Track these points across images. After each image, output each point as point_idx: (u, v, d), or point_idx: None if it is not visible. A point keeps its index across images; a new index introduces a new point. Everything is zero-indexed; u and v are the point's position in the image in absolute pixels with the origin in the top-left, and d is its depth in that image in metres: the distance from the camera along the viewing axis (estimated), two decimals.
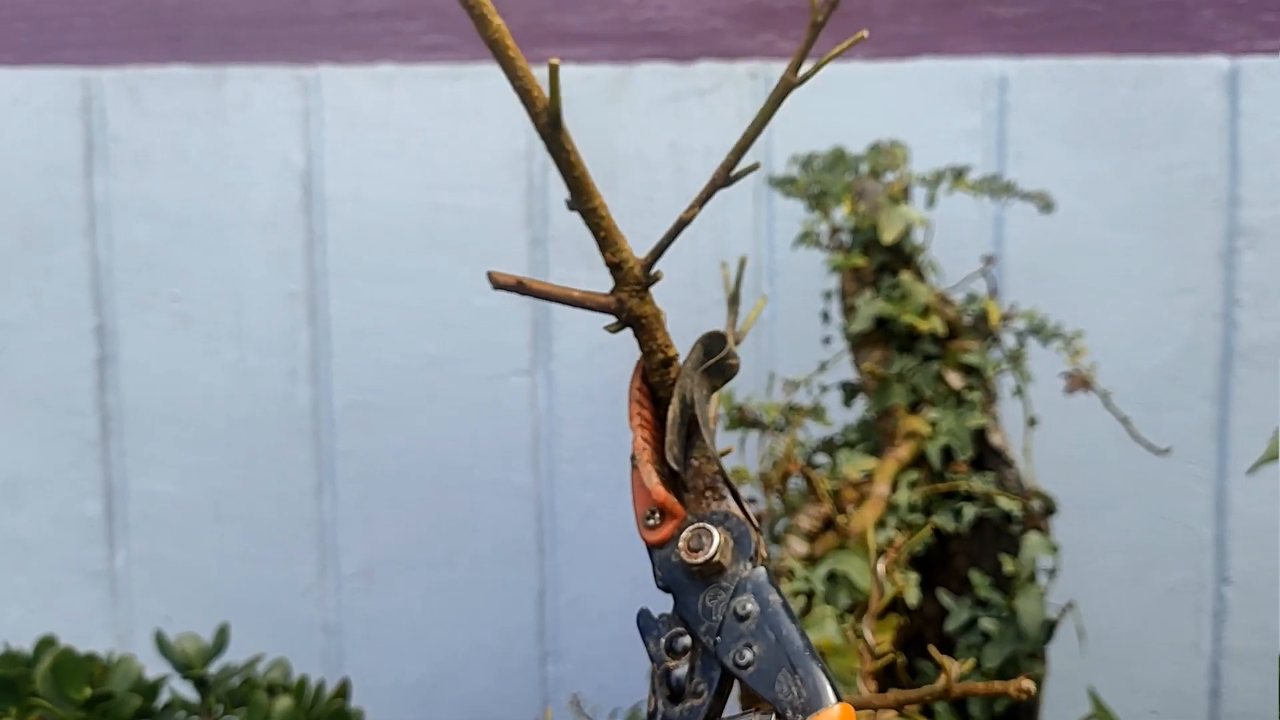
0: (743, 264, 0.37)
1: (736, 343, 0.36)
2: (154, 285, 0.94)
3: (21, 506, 0.96)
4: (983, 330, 0.73)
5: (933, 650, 0.36)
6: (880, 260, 0.74)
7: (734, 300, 0.37)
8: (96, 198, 0.94)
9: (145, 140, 0.94)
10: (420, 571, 0.96)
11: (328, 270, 0.93)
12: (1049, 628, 0.68)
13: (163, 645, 0.66)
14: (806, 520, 0.72)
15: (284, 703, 0.59)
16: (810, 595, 0.71)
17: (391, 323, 0.94)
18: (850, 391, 0.79)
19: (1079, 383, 0.67)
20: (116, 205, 0.94)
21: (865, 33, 0.34)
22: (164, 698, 0.67)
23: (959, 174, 0.74)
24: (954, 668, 0.35)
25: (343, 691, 0.60)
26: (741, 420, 0.77)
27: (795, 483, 0.75)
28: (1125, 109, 0.89)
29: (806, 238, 0.74)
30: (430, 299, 0.93)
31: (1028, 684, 0.32)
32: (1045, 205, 0.77)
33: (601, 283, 1.00)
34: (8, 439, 0.96)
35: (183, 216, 0.94)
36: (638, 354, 0.97)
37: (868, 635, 0.39)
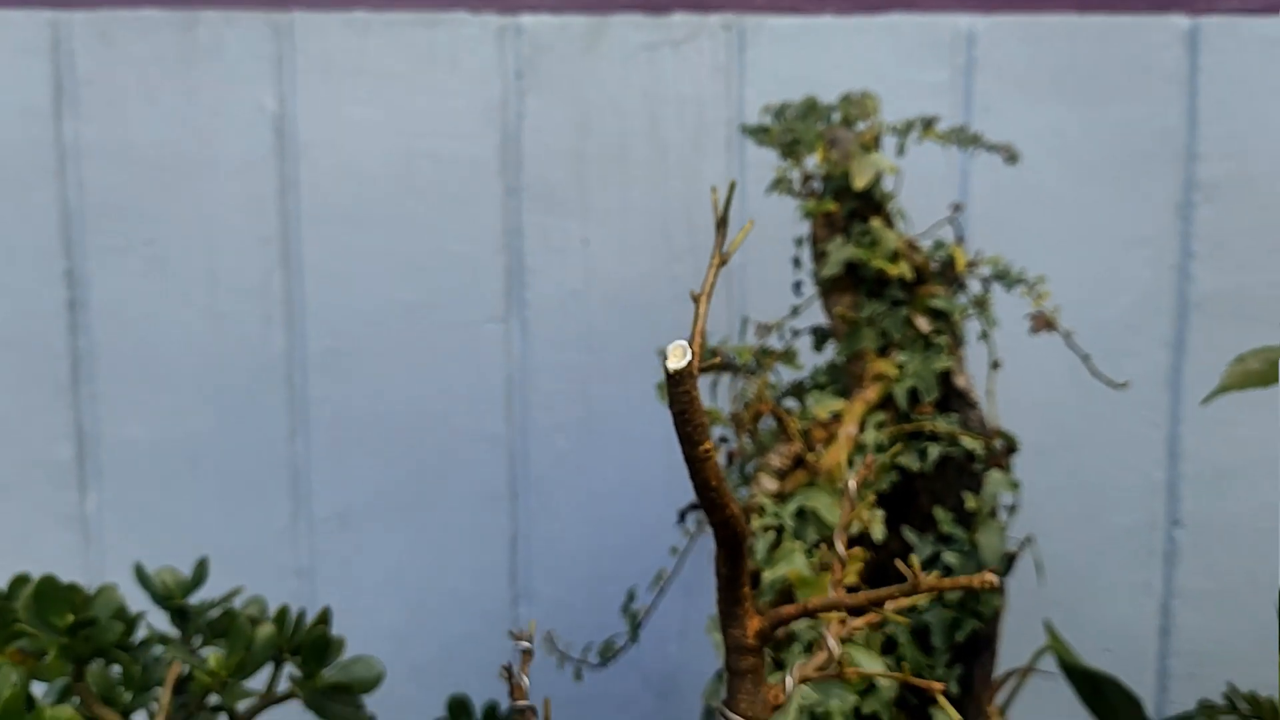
0: (732, 188, 0.38)
1: (724, 262, 0.37)
2: (125, 229, 0.94)
3: None
4: (949, 276, 0.75)
5: (899, 564, 0.38)
6: (851, 207, 0.75)
7: (722, 223, 0.38)
8: (66, 141, 0.93)
9: (116, 84, 0.93)
10: (393, 516, 0.97)
11: (301, 216, 0.93)
12: (1008, 560, 0.71)
13: (142, 577, 0.67)
14: (777, 458, 0.74)
15: (266, 630, 0.60)
16: (780, 530, 0.73)
17: (365, 269, 0.94)
18: (820, 336, 0.81)
19: (1043, 323, 0.69)
20: (87, 149, 0.93)
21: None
22: (141, 633, 0.67)
23: (928, 124, 0.76)
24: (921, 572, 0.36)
25: (324, 619, 0.61)
26: (714, 364, 0.78)
27: (766, 423, 0.77)
28: (1089, 65, 0.91)
29: (779, 184, 0.76)
30: (404, 245, 0.94)
31: (990, 576, 0.34)
32: (1010, 156, 0.79)
33: (573, 231, 1.01)
34: None
35: (154, 161, 0.93)
36: (611, 300, 0.98)
37: (839, 547, 0.41)
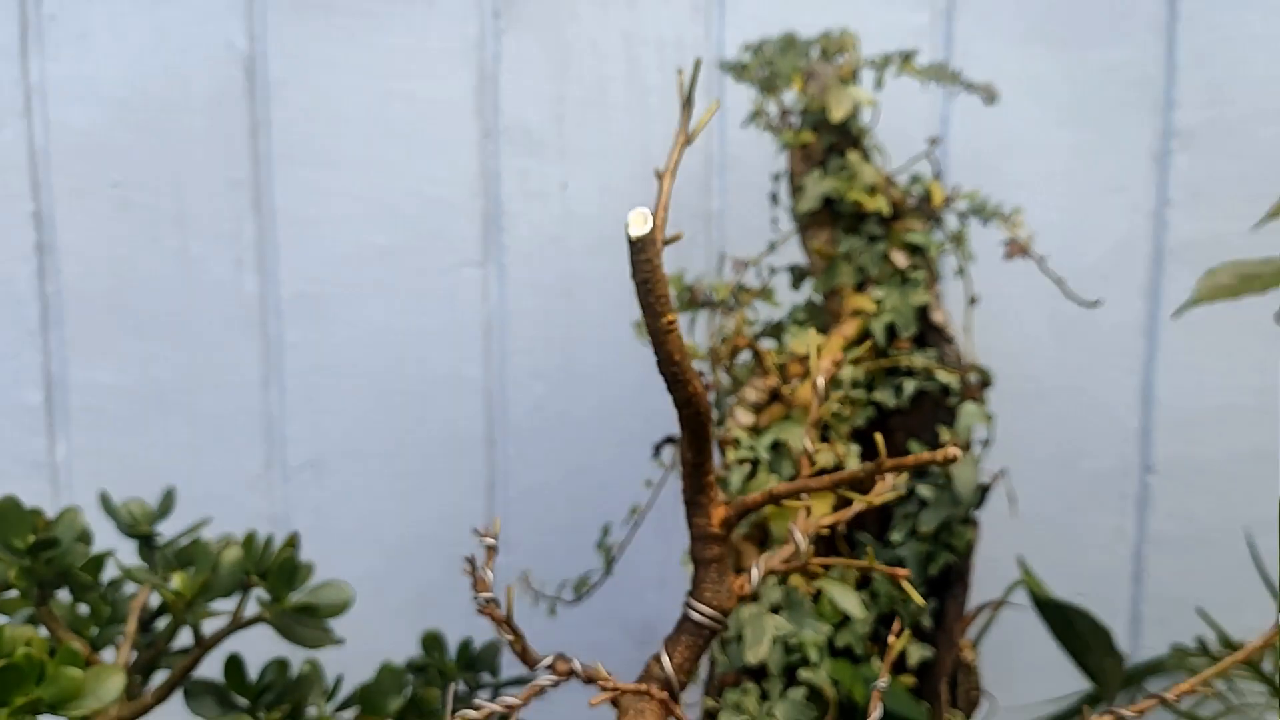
0: (697, 66, 0.38)
1: (689, 141, 0.36)
2: (93, 170, 0.92)
3: None
4: (926, 211, 0.75)
5: (875, 438, 0.38)
6: (829, 141, 0.75)
7: (688, 103, 0.37)
8: (33, 79, 0.92)
9: (83, 21, 0.91)
10: (369, 463, 0.96)
11: (272, 157, 0.92)
12: (982, 492, 0.71)
13: (107, 506, 0.66)
14: (753, 392, 0.73)
15: (232, 553, 0.59)
16: (755, 463, 0.73)
17: (339, 212, 0.93)
18: (798, 275, 0.80)
19: (1017, 249, 0.69)
20: (53, 87, 0.92)
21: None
22: (111, 574, 0.66)
23: (906, 58, 0.76)
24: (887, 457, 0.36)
25: (292, 543, 0.60)
26: (692, 301, 0.78)
27: (743, 359, 0.77)
28: (1068, 9, 0.91)
29: (756, 117, 0.75)
30: (379, 188, 0.93)
31: (954, 450, 0.34)
32: (990, 96, 0.78)
33: (551, 175, 1.00)
34: None
35: (122, 100, 0.92)
36: (590, 245, 0.98)
37: (807, 444, 0.40)
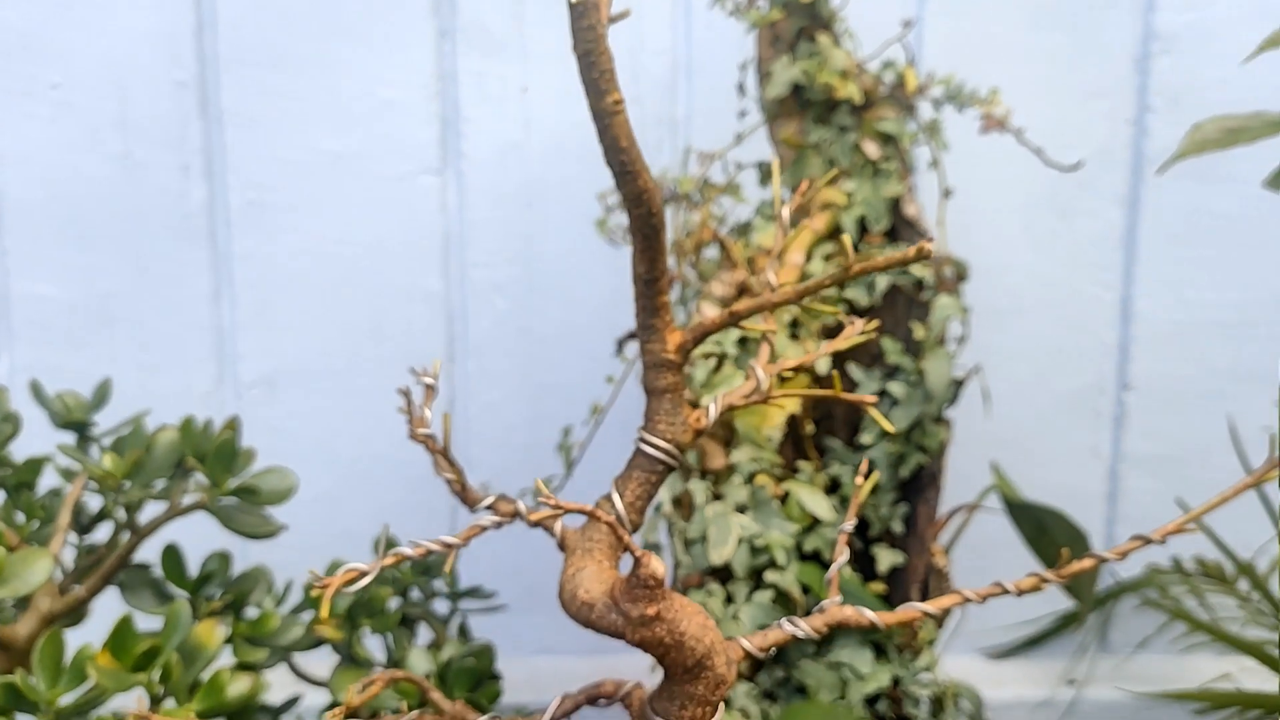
0: None
1: None
2: (31, 71, 0.88)
3: None
4: (900, 99, 0.72)
5: (843, 239, 0.35)
6: (797, 24, 0.72)
7: None
8: None
9: None
10: (324, 380, 0.93)
11: (218, 57, 0.88)
12: (955, 387, 0.69)
13: (39, 395, 0.62)
14: (720, 286, 0.70)
15: (168, 434, 0.56)
16: (721, 358, 0.70)
17: (290, 116, 0.89)
18: (766, 171, 0.77)
19: (994, 123, 0.66)
20: None
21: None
22: (50, 482, 0.63)
23: None
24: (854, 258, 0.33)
25: (232, 426, 0.57)
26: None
27: (710, 255, 0.74)
28: None
29: None
30: (331, 91, 0.89)
31: (928, 245, 0.31)
32: None
33: (512, 78, 0.96)
34: None
35: None
36: (552, 152, 0.94)
37: (771, 277, 0.38)
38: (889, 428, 0.36)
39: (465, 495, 0.37)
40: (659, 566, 0.32)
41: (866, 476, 0.39)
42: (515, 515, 0.37)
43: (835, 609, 0.38)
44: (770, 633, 0.37)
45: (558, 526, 0.37)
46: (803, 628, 0.37)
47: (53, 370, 0.91)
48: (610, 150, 0.31)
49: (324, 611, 0.31)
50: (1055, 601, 0.94)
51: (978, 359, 0.78)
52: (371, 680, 0.35)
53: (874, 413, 0.36)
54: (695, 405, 0.67)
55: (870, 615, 0.38)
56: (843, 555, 0.38)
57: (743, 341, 0.70)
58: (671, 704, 0.35)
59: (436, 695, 0.37)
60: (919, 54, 0.88)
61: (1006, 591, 0.37)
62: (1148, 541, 0.37)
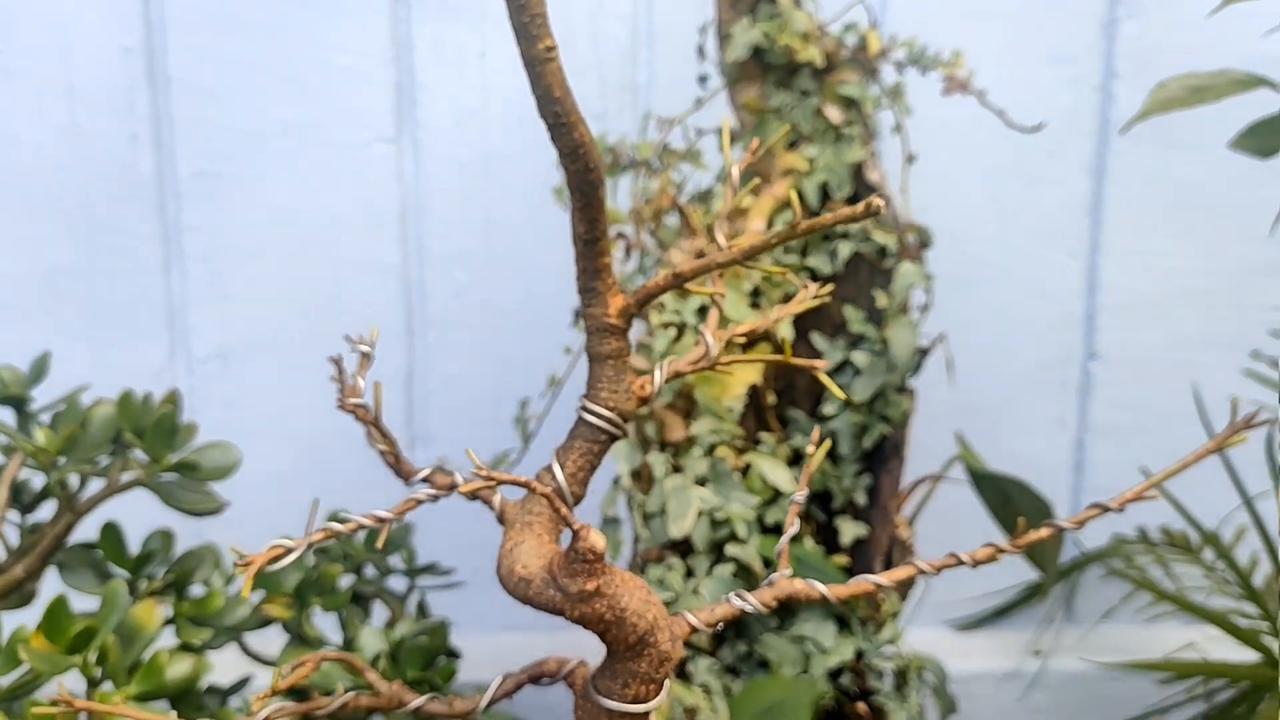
0: None
1: None
2: None
3: None
4: (862, 62, 0.70)
5: (792, 197, 0.34)
6: None
7: None
8: None
9: None
10: (279, 353, 0.91)
11: (166, 21, 0.85)
12: (919, 356, 0.68)
13: None
14: (679, 254, 0.69)
15: (104, 409, 0.54)
16: (681, 328, 0.68)
17: (241, 83, 0.86)
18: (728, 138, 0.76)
19: (956, 85, 0.65)
20: None
21: None
22: None
23: None
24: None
25: (172, 400, 0.55)
26: (615, 163, 0.73)
27: (670, 223, 0.72)
28: None
29: None
30: (283, 57, 0.86)
31: (877, 200, 0.29)
32: None
33: (469, 43, 0.93)
34: None
35: None
36: (511, 120, 0.92)
37: (719, 238, 0.36)
38: (840, 394, 0.35)
39: (399, 467, 0.35)
40: (598, 540, 0.31)
41: (819, 445, 0.38)
42: (452, 488, 0.35)
43: (785, 582, 0.36)
44: (718, 608, 0.36)
45: (496, 499, 0.35)
46: (751, 602, 0.36)
47: (1, 346, 0.89)
48: (543, 100, 0.29)
49: (245, 590, 0.29)
50: (1022, 573, 0.93)
51: (942, 328, 0.77)
52: (302, 661, 0.34)
53: (825, 379, 0.35)
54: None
55: (821, 588, 0.36)
56: (793, 527, 0.37)
57: (702, 311, 0.68)
58: (614, 682, 0.34)
59: (373, 675, 0.36)
60: (883, 17, 0.86)
61: (962, 563, 0.36)
62: (1105, 509, 0.36)
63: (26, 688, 0.51)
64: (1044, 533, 0.36)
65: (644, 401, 0.35)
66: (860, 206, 0.30)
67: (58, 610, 0.49)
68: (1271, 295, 0.91)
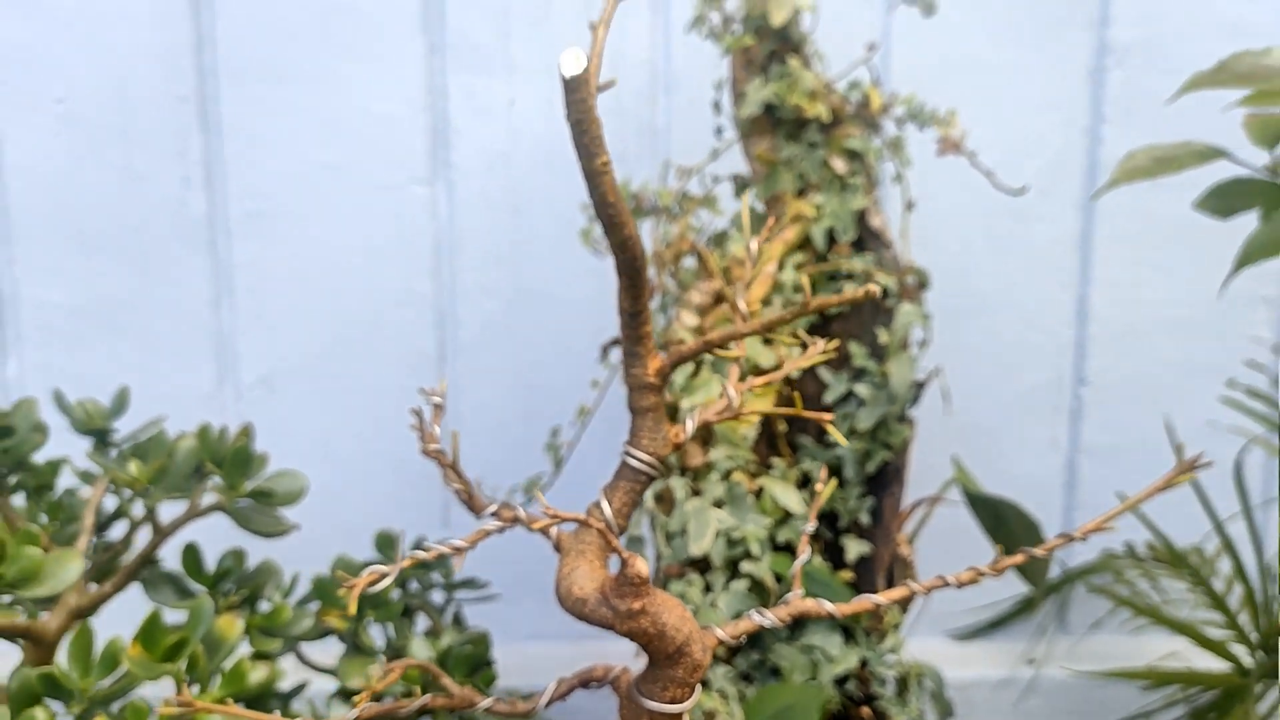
0: None
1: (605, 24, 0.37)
2: (36, 86, 0.91)
3: None
4: (865, 117, 0.76)
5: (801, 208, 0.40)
6: (769, 47, 0.76)
7: None
8: None
9: None
10: (321, 380, 0.97)
11: (218, 72, 0.92)
12: (917, 388, 0.74)
13: (61, 403, 0.66)
14: (697, 295, 0.75)
15: (187, 442, 0.60)
16: (699, 364, 0.75)
17: (287, 129, 0.93)
18: (740, 184, 0.82)
19: (950, 145, 0.71)
20: None
21: None
22: (67, 482, 0.67)
23: None
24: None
25: (246, 433, 0.62)
26: (637, 208, 0.79)
27: (687, 264, 0.78)
28: None
29: (698, 22, 0.76)
30: (326, 104, 0.93)
31: (874, 287, 0.36)
32: (928, 7, 0.80)
33: (499, 91, 0.99)
34: None
35: (64, 12, 0.91)
36: (538, 162, 0.98)
37: (741, 304, 0.42)
38: (843, 441, 0.41)
39: (472, 503, 0.42)
40: (643, 567, 0.37)
41: (827, 481, 0.44)
42: (516, 521, 0.41)
43: (798, 601, 0.43)
44: (741, 623, 0.42)
45: (554, 531, 0.42)
46: (770, 619, 0.42)
47: (58, 372, 0.95)
48: (600, 205, 0.36)
49: (352, 608, 0.35)
50: (1017, 586, 0.99)
51: (942, 356, 0.83)
52: (390, 668, 0.40)
53: (831, 429, 0.41)
54: (674, 416, 0.72)
55: (829, 607, 0.43)
56: (804, 554, 0.43)
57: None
58: (654, 686, 0.40)
59: (446, 680, 0.42)
60: (886, 71, 0.93)
61: (949, 584, 0.42)
62: (1071, 539, 0.42)
63: (119, 693, 0.57)
64: (1019, 559, 0.42)
65: (678, 447, 0.41)
66: (860, 292, 0.36)
67: (153, 623, 0.55)
68: (1248, 326, 0.97)
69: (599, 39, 0.36)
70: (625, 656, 0.81)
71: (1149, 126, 0.94)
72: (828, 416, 0.41)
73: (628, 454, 0.41)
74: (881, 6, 0.92)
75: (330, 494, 0.98)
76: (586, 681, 0.43)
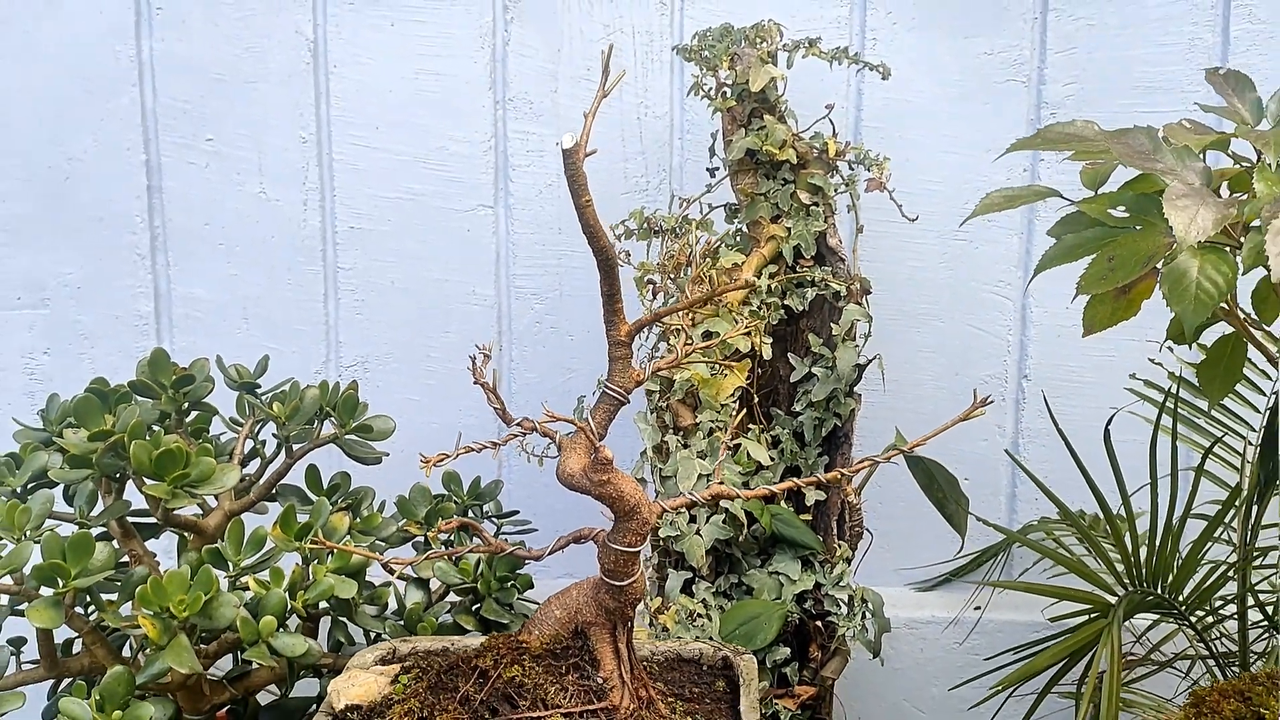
0: (609, 49, 0.62)
1: (604, 96, 0.60)
2: (192, 130, 1.18)
3: (87, 306, 1.21)
4: (825, 161, 0.99)
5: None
6: (751, 107, 0.99)
7: (605, 70, 0.61)
8: (144, 56, 1.17)
9: (183, 8, 1.17)
10: (404, 363, 1.22)
11: (332, 120, 1.17)
12: (859, 370, 0.96)
13: (220, 365, 0.92)
14: (691, 294, 0.98)
15: (312, 392, 0.85)
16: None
17: (383, 163, 1.18)
18: (731, 211, 1.05)
19: (876, 185, 0.93)
20: (160, 63, 1.17)
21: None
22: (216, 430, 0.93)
23: (812, 43, 0.99)
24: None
25: (354, 387, 0.86)
26: (649, 229, 1.02)
27: (686, 273, 1.01)
28: (958, 4, 1.14)
29: (696, 88, 0.99)
30: (413, 145, 1.18)
31: (751, 279, 0.58)
32: (884, 73, 1.02)
33: (548, 136, 1.24)
34: (75, 251, 1.20)
35: (214, 73, 1.17)
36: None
37: (689, 288, 0.65)
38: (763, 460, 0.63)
39: (504, 416, 0.65)
40: (609, 454, 0.60)
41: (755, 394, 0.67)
42: (533, 429, 0.64)
43: (716, 486, 0.65)
44: (678, 499, 0.65)
45: (557, 436, 0.65)
46: (697, 497, 0.64)
47: (200, 353, 1.20)
48: (584, 226, 0.59)
49: (428, 470, 0.59)
50: (970, 545, 1.19)
51: (904, 355, 1.04)
52: (451, 521, 0.63)
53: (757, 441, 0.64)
54: (672, 383, 0.94)
55: (737, 491, 0.65)
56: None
57: (706, 335, 0.97)
58: (618, 535, 0.63)
59: (486, 534, 0.65)
60: (859, 116, 1.15)
61: (845, 475, 0.64)
62: (876, 463, 0.64)
63: (263, 565, 0.82)
64: (865, 465, 0.63)
65: (639, 383, 0.64)
66: (738, 283, 0.58)
67: (289, 513, 0.80)
68: (1156, 331, 1.16)
69: (587, 125, 0.59)
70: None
71: (1074, 167, 1.15)
72: (740, 366, 0.63)
73: (606, 387, 0.64)
74: (854, 71, 1.15)
75: (408, 455, 1.22)
76: (579, 538, 0.66)
